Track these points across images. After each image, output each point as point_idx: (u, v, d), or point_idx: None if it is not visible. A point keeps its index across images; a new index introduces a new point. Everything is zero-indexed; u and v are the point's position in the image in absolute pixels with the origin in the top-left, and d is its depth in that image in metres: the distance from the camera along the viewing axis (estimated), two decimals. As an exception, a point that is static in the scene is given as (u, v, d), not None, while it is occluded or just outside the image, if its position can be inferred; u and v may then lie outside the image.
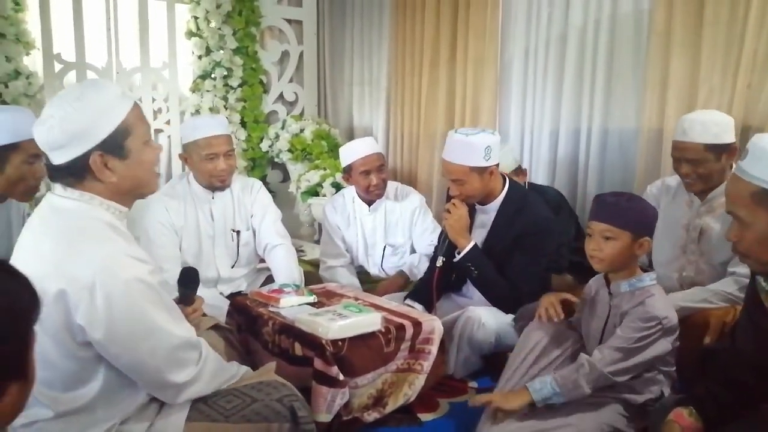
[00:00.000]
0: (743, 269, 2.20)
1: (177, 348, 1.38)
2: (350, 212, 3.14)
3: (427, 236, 3.06)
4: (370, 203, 3.09)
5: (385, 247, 3.13)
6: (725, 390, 1.47)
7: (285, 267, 2.69)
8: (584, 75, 3.21)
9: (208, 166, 2.58)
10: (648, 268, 1.94)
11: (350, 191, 3.16)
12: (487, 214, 2.54)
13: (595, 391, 1.79)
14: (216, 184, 2.64)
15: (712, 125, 2.21)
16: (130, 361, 1.33)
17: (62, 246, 1.29)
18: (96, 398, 1.35)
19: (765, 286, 1.35)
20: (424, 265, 2.90)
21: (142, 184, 1.44)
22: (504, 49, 3.66)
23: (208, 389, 1.46)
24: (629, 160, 3.06)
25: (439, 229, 2.92)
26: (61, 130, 1.29)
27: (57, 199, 1.36)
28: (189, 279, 1.74)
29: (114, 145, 1.34)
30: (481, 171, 2.40)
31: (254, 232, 2.79)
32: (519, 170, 3.13)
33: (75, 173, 1.33)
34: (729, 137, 2.23)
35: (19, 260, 1.32)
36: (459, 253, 2.43)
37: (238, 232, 2.74)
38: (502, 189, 2.51)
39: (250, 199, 2.78)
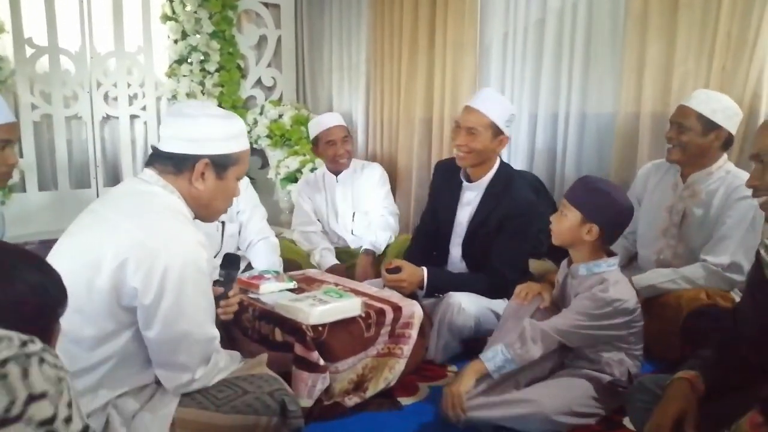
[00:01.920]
0: (715, 258, 2.24)
1: (201, 342, 1.46)
2: (321, 184, 3.43)
3: (380, 203, 3.33)
4: (337, 174, 3.36)
5: (354, 213, 3.36)
6: (726, 363, 1.49)
7: (265, 257, 2.74)
8: (562, 59, 3.21)
9: None
10: (614, 253, 1.98)
11: (321, 169, 3.49)
12: (474, 192, 2.55)
13: (554, 361, 1.84)
14: None
15: (715, 101, 2.27)
16: (159, 335, 1.39)
17: (134, 217, 1.42)
18: (108, 358, 1.40)
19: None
20: (383, 237, 3.21)
21: (212, 207, 1.60)
22: (483, 34, 3.65)
23: (209, 385, 1.51)
24: (606, 145, 3.08)
25: (390, 198, 3.38)
26: (194, 128, 1.50)
27: (141, 184, 1.51)
28: (231, 263, 1.76)
29: (221, 164, 1.53)
30: (495, 132, 2.43)
31: (240, 226, 2.85)
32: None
33: (177, 164, 1.51)
34: (725, 122, 2.28)
35: (86, 226, 1.46)
36: (422, 288, 2.44)
37: (223, 224, 2.74)
38: (493, 167, 2.52)
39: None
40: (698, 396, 1.37)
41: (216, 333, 1.51)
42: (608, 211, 1.85)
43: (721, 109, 2.27)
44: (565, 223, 1.91)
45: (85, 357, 1.38)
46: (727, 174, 2.32)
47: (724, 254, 2.24)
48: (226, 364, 1.57)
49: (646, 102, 2.77)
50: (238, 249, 2.84)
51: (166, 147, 1.52)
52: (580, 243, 1.91)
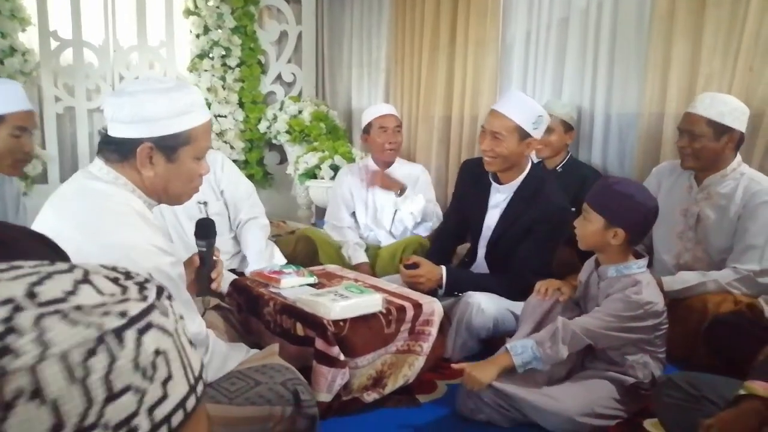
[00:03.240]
0: (743, 266, 2.21)
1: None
2: (364, 177, 3.31)
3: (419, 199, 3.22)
4: (383, 168, 3.26)
5: (396, 212, 3.23)
6: None
7: (252, 241, 2.66)
8: (586, 59, 3.19)
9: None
10: (642, 252, 1.97)
11: (365, 159, 3.41)
12: (503, 194, 2.52)
13: (574, 360, 1.82)
14: None
15: (721, 104, 2.24)
16: None
17: (84, 230, 1.29)
18: None
19: None
20: (415, 227, 3.15)
21: (172, 192, 1.45)
22: (505, 32, 3.64)
23: (219, 375, 1.47)
24: (630, 145, 3.06)
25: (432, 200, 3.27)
26: (131, 108, 1.32)
27: (89, 179, 1.37)
28: (206, 231, 1.62)
29: (168, 146, 1.36)
30: (522, 136, 2.37)
31: (226, 205, 2.70)
32: (569, 128, 3.11)
33: (121, 151, 1.36)
34: (735, 123, 2.25)
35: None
36: (441, 287, 2.43)
37: (205, 203, 2.60)
38: (524, 171, 2.49)
39: (218, 171, 2.65)
40: None
41: (200, 326, 1.42)
42: (632, 214, 1.83)
43: (729, 110, 2.24)
44: (589, 228, 1.87)
45: None
46: (742, 176, 2.30)
47: (752, 262, 2.22)
48: (227, 350, 1.52)
49: (670, 102, 2.74)
50: (231, 231, 2.74)
51: (111, 131, 1.36)
52: (607, 247, 1.88)
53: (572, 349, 1.81)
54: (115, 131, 1.35)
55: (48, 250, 0.84)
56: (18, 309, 0.41)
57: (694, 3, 2.64)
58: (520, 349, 1.80)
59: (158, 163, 1.37)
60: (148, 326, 0.46)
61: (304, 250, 2.96)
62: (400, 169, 3.31)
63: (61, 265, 0.47)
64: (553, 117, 2.99)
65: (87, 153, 4.13)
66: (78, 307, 0.43)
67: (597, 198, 1.88)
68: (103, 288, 0.46)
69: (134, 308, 0.46)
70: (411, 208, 3.13)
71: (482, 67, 3.64)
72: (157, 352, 0.45)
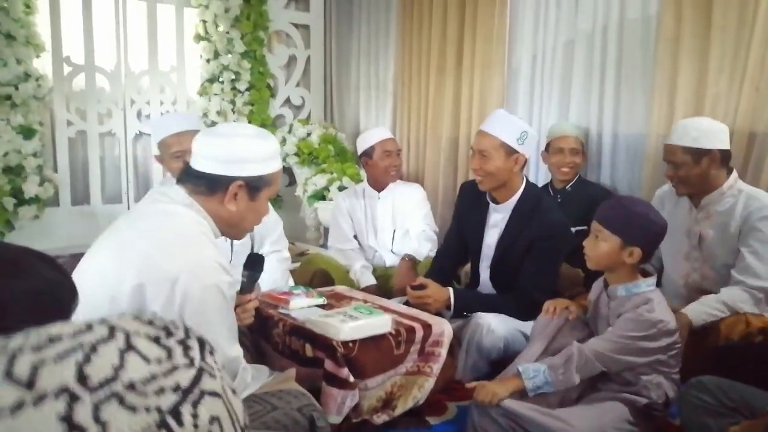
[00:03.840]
0: (753, 281, 2.21)
1: (228, 363, 1.45)
2: (361, 199, 3.37)
3: (420, 222, 3.27)
4: (380, 190, 3.31)
5: (394, 231, 3.29)
6: None
7: (270, 271, 2.60)
8: (592, 81, 3.21)
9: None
10: (651, 270, 1.96)
11: (361, 184, 3.42)
12: (501, 214, 2.54)
13: (586, 382, 1.81)
14: None
15: (693, 130, 2.28)
16: None
17: (155, 240, 1.40)
18: None
19: None
20: (425, 247, 3.16)
21: (243, 227, 1.59)
22: (511, 54, 3.67)
23: None
24: (638, 166, 3.06)
25: (431, 217, 3.33)
26: (229, 149, 1.48)
27: (167, 201, 1.49)
28: (255, 264, 1.74)
29: (255, 186, 1.52)
30: (509, 152, 2.41)
31: (252, 237, 2.68)
32: (581, 150, 3.11)
33: (210, 186, 1.49)
34: (711, 143, 2.27)
35: (107, 246, 1.44)
36: (450, 309, 2.44)
37: None
38: (519, 188, 2.51)
39: None
40: None
41: (239, 351, 1.50)
42: (648, 232, 1.83)
43: (702, 134, 2.27)
44: (604, 248, 1.86)
45: None
46: (741, 193, 2.31)
47: (760, 278, 2.21)
48: (253, 378, 1.57)
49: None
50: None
51: (199, 166, 1.50)
52: (620, 266, 1.88)
53: (584, 375, 1.80)
54: (207, 168, 1.49)
55: (48, 267, 0.88)
56: (74, 399, 0.42)
57: (700, 26, 2.66)
58: (532, 373, 1.79)
59: (242, 200, 1.51)
60: (201, 395, 0.47)
61: (321, 283, 2.94)
62: (396, 188, 3.34)
63: (99, 330, 0.48)
64: (575, 139, 3.07)
65: (98, 176, 4.18)
66: (131, 386, 0.44)
67: (612, 218, 1.87)
68: (149, 353, 0.47)
69: (185, 377, 0.47)
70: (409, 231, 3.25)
71: (489, 90, 3.67)
72: (212, 419, 0.47)
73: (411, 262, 3.09)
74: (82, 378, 0.43)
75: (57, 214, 3.96)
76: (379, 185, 3.31)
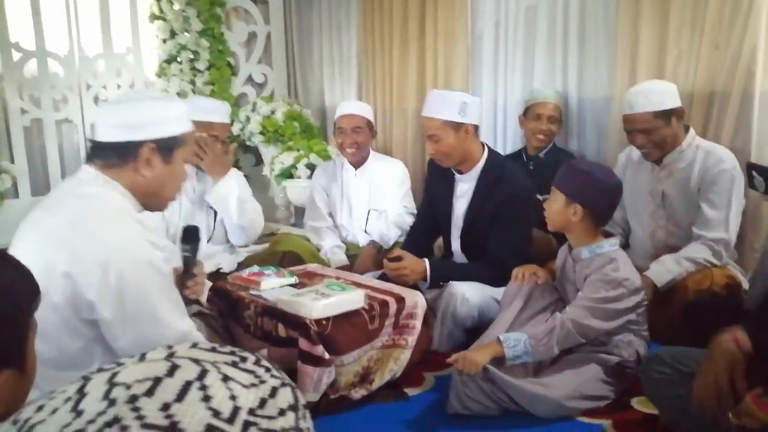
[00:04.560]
0: (712, 233, 2.26)
1: (174, 340, 1.37)
2: (338, 175, 3.26)
3: (397, 203, 3.17)
4: (356, 166, 3.20)
5: (369, 211, 3.21)
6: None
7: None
8: (556, 46, 3.20)
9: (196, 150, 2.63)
10: (613, 232, 1.99)
11: (340, 158, 3.29)
12: (467, 183, 2.55)
13: (564, 352, 1.83)
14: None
15: (654, 94, 2.30)
16: (129, 344, 1.34)
17: (76, 225, 1.34)
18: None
19: None
20: (394, 233, 3.08)
21: (162, 194, 1.52)
22: (474, 22, 3.63)
23: None
24: (603, 129, 3.07)
25: (410, 197, 3.22)
26: (133, 112, 1.43)
27: (80, 185, 1.43)
28: (191, 237, 1.70)
29: (168, 147, 1.46)
30: (455, 127, 2.41)
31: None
32: (559, 117, 3.08)
33: (121, 155, 1.42)
34: (673, 102, 2.31)
35: (28, 237, 1.38)
36: (426, 281, 2.45)
37: (215, 211, 2.72)
38: (481, 157, 2.51)
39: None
40: (745, 352, 1.29)
41: (190, 325, 1.45)
42: (590, 190, 1.86)
43: (664, 95, 2.30)
44: (554, 206, 1.93)
45: (59, 378, 1.27)
46: (698, 149, 2.35)
47: (718, 230, 2.26)
48: None
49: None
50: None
51: (105, 137, 1.44)
52: (571, 226, 1.92)
53: (564, 347, 1.82)
54: (114, 136, 1.42)
55: (11, 271, 0.83)
56: None
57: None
58: (513, 342, 1.79)
59: (156, 164, 1.45)
60: (305, 408, 0.52)
61: (290, 264, 2.89)
62: (374, 164, 3.25)
63: (189, 367, 0.49)
64: (554, 106, 3.04)
65: (57, 164, 4.06)
66: (252, 413, 0.47)
67: (559, 177, 1.94)
68: (242, 380, 0.49)
69: (286, 395, 0.51)
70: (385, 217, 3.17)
71: (453, 58, 3.64)
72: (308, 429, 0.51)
73: (375, 248, 3.05)
74: (216, 414, 0.45)
75: (17, 206, 3.83)
76: (353, 162, 3.21)
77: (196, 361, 0.50)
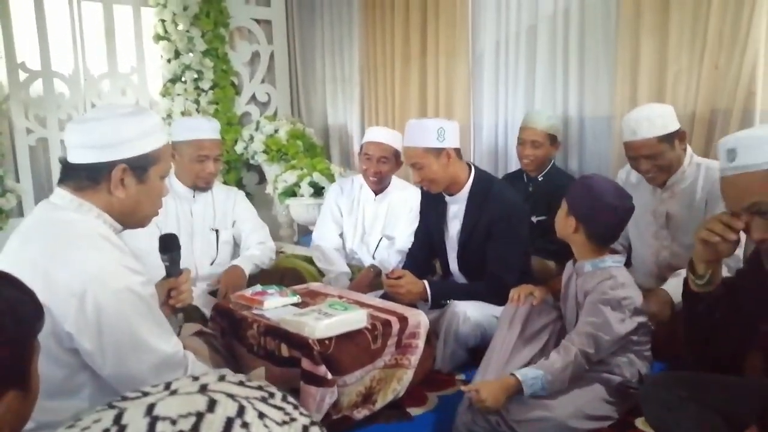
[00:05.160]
0: None
1: (161, 363, 1.37)
2: (355, 196, 3.18)
3: (408, 232, 3.03)
4: (376, 192, 3.12)
5: (381, 238, 3.14)
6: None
7: (251, 251, 2.80)
8: (556, 64, 3.23)
9: (197, 167, 2.67)
10: (618, 251, 1.99)
11: (359, 178, 3.20)
12: (457, 204, 2.56)
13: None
14: (200, 185, 2.72)
15: (657, 118, 2.28)
16: (115, 372, 1.31)
17: (51, 255, 1.29)
18: (84, 411, 1.33)
19: None
20: (395, 259, 3.01)
21: (141, 213, 1.47)
22: (475, 41, 3.67)
23: None
24: (605, 147, 3.08)
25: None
26: (101, 132, 1.35)
27: (51, 210, 1.38)
28: (170, 245, 1.68)
29: (140, 166, 1.40)
30: (436, 153, 2.43)
31: (234, 236, 2.86)
32: (554, 140, 3.05)
33: (92, 177, 1.37)
34: (674, 124, 2.30)
35: (5, 268, 1.30)
36: (427, 302, 2.44)
37: (217, 231, 2.77)
38: (468, 177, 2.53)
39: (231, 206, 2.86)
40: None
41: (177, 345, 1.42)
42: (588, 207, 1.86)
43: (665, 118, 2.28)
44: (558, 213, 1.97)
45: (49, 407, 1.24)
46: (699, 167, 2.34)
47: None
48: (205, 370, 1.50)
49: (641, 103, 2.77)
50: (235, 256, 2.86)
51: (75, 159, 1.37)
52: (569, 237, 1.94)
53: (574, 377, 1.81)
54: (85, 157, 1.37)
55: (7, 285, 0.84)
56: None
57: (659, 3, 2.68)
58: (530, 381, 1.75)
59: (130, 184, 1.39)
60: None
61: (291, 282, 2.88)
62: (395, 191, 3.13)
63: (226, 403, 0.50)
64: (538, 132, 2.99)
65: (62, 184, 4.08)
66: None
67: (570, 189, 1.97)
68: (275, 417, 0.50)
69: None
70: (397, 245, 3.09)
71: (454, 77, 3.67)
72: None
73: (374, 272, 2.98)
74: None
75: (21, 225, 3.86)
76: (374, 188, 3.11)
77: (232, 397, 0.50)
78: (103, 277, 1.27)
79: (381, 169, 3.03)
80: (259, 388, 0.54)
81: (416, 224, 2.92)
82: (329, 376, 1.85)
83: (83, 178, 1.37)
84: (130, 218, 1.45)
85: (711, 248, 1.43)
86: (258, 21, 4.80)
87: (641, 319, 1.86)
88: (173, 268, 1.68)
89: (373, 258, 3.13)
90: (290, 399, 0.55)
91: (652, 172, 2.33)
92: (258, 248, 2.82)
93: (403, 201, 3.11)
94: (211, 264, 2.77)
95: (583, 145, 3.21)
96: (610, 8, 2.99)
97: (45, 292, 1.21)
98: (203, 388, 0.52)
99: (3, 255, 1.37)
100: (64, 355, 1.30)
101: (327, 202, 3.27)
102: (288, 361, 1.93)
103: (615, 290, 1.82)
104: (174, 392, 0.52)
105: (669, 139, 2.27)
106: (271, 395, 0.54)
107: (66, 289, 1.25)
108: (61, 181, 1.41)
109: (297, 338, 1.91)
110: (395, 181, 3.16)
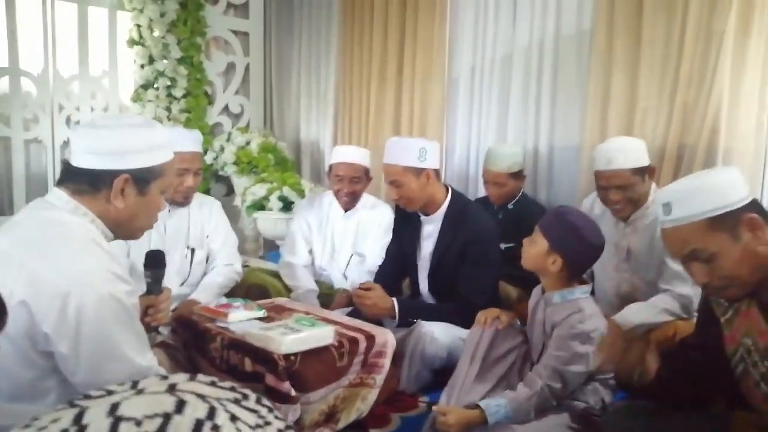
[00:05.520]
0: (679, 288, 2.28)
1: (135, 376, 1.32)
2: (325, 213, 3.14)
3: (378, 251, 3.02)
4: (345, 209, 3.09)
5: (352, 255, 3.10)
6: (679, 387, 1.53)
7: (211, 278, 2.69)
8: (529, 93, 3.29)
9: (175, 181, 2.48)
10: (587, 279, 2.01)
11: (329, 195, 3.17)
12: (432, 224, 2.57)
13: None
14: (178, 199, 2.58)
15: (631, 151, 2.32)
16: (86, 379, 1.27)
17: (39, 252, 1.27)
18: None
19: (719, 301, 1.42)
20: (366, 279, 2.90)
21: (136, 225, 1.46)
22: (451, 65, 3.72)
23: None
24: (572, 177, 3.14)
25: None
26: (110, 140, 1.36)
27: (45, 209, 1.36)
28: (155, 262, 1.64)
29: (143, 179, 1.39)
30: (416, 173, 2.44)
31: (208, 253, 2.74)
32: (518, 175, 3.07)
33: (93, 183, 1.36)
34: (646, 160, 2.35)
35: None
36: (394, 319, 2.43)
37: (193, 250, 2.66)
38: (445, 199, 2.54)
39: (206, 218, 2.73)
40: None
41: (152, 360, 1.39)
42: (575, 245, 1.87)
43: (639, 152, 2.32)
44: (533, 249, 1.93)
45: (10, 411, 1.24)
46: None
47: (685, 284, 2.28)
48: None
49: (610, 135, 2.83)
50: (205, 274, 2.74)
51: (78, 162, 1.37)
52: (546, 272, 1.92)
53: (540, 410, 1.82)
54: (88, 163, 1.36)
55: None
56: None
57: (631, 40, 2.77)
58: (494, 408, 1.77)
59: (129, 195, 1.39)
60: None
61: (257, 297, 2.82)
62: (364, 208, 3.11)
63: (196, 404, 0.47)
64: (499, 174, 3.01)
65: (23, 185, 3.97)
66: None
67: (547, 222, 1.93)
68: (248, 420, 0.48)
69: None
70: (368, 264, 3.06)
71: (429, 99, 3.71)
72: None
73: (347, 297, 2.87)
74: None
75: (-23, 225, 3.73)
76: (343, 206, 3.09)
77: (202, 397, 0.48)
78: (89, 280, 1.25)
79: (354, 188, 3.02)
80: (232, 389, 0.52)
81: (386, 241, 2.92)
82: (293, 392, 1.82)
83: (84, 182, 1.37)
84: (123, 229, 1.44)
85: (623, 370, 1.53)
86: (235, 32, 4.79)
87: None
88: (155, 286, 1.63)
89: (344, 276, 3.10)
90: (264, 401, 0.53)
91: (620, 204, 2.36)
92: (223, 271, 2.71)
93: (372, 218, 3.10)
94: (182, 284, 2.63)
95: (552, 175, 3.26)
96: (583, 42, 3.07)
97: (28, 289, 1.21)
98: (172, 388, 0.49)
99: None
100: (36, 357, 1.26)
101: (296, 219, 3.23)
102: (251, 376, 1.90)
103: (583, 323, 1.83)
104: (140, 391, 0.49)
105: (641, 172, 2.31)
106: (245, 397, 0.52)
107: (50, 287, 1.22)
108: (60, 183, 1.40)
109: (262, 353, 1.88)
110: (365, 197, 3.15)
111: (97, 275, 1.27)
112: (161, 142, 1.44)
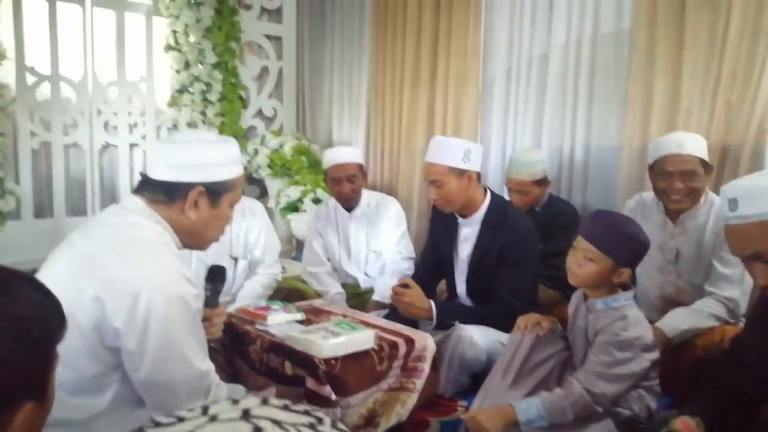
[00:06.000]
0: (726, 291, 2.22)
1: (194, 379, 1.38)
2: (333, 219, 3.22)
3: (393, 247, 3.08)
4: (349, 210, 3.16)
5: (368, 253, 3.16)
6: (725, 402, 1.48)
7: (252, 284, 2.70)
8: (567, 93, 3.24)
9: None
10: (629, 285, 1.95)
11: (332, 201, 3.26)
12: (471, 227, 2.54)
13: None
14: None
15: (701, 142, 2.27)
16: (149, 377, 1.32)
17: (114, 252, 1.34)
18: (101, 413, 1.33)
19: None
20: (392, 283, 2.88)
21: (205, 236, 1.53)
22: (486, 68, 3.68)
23: None
24: (611, 178, 3.08)
25: (406, 239, 3.14)
26: (187, 154, 1.44)
27: (124, 213, 1.44)
28: (217, 276, 1.69)
29: (216, 191, 1.47)
30: (459, 174, 2.42)
31: (249, 263, 2.75)
32: (542, 182, 3.02)
33: (169, 194, 1.44)
34: (707, 156, 2.28)
35: (62, 259, 1.37)
36: (431, 321, 2.41)
37: (236, 260, 2.68)
38: (483, 201, 2.51)
39: (249, 226, 2.71)
40: None
41: (210, 366, 1.44)
42: (639, 254, 1.84)
43: (704, 146, 2.26)
44: (594, 269, 1.82)
45: (70, 404, 1.28)
46: (712, 206, 2.30)
47: (732, 288, 2.22)
48: (229, 396, 1.51)
49: (653, 136, 2.77)
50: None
51: (156, 174, 1.46)
52: (605, 285, 1.87)
53: (580, 415, 1.77)
54: (165, 175, 1.44)
55: (34, 290, 0.81)
56: None
57: (673, 40, 2.70)
58: (524, 405, 1.75)
59: (203, 207, 1.47)
60: None
61: (294, 300, 2.85)
62: (368, 205, 3.17)
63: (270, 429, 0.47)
64: (523, 182, 2.97)
65: (62, 188, 4.05)
66: None
67: (605, 239, 1.81)
68: None
69: None
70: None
71: (463, 102, 3.67)
72: None
73: (380, 307, 2.90)
74: None
75: (18, 228, 3.82)
76: (345, 206, 3.17)
77: (278, 423, 0.47)
78: (161, 281, 1.31)
79: (353, 187, 3.08)
80: (306, 413, 0.51)
81: (400, 232, 3.02)
82: (333, 396, 1.82)
83: (160, 193, 1.45)
84: (194, 239, 1.51)
85: None
86: (269, 37, 4.82)
87: (653, 356, 1.83)
88: (213, 299, 1.67)
89: (366, 275, 3.16)
90: (340, 425, 0.51)
91: (680, 193, 2.25)
92: (263, 281, 2.74)
93: (381, 213, 3.16)
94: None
95: (588, 176, 3.20)
96: (622, 43, 3.01)
97: (101, 286, 1.26)
98: (246, 414, 0.48)
99: (62, 246, 1.41)
100: (103, 352, 1.31)
101: (309, 232, 3.30)
102: (291, 380, 1.90)
103: (627, 331, 1.79)
104: (213, 418, 0.48)
105: (706, 166, 2.25)
106: (320, 421, 0.50)
107: (123, 286, 1.27)
108: (137, 191, 1.48)
109: (302, 356, 1.88)
110: (368, 195, 3.21)
111: (168, 276, 1.33)
112: (233, 158, 1.52)
